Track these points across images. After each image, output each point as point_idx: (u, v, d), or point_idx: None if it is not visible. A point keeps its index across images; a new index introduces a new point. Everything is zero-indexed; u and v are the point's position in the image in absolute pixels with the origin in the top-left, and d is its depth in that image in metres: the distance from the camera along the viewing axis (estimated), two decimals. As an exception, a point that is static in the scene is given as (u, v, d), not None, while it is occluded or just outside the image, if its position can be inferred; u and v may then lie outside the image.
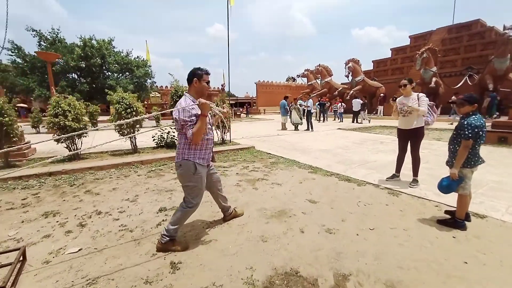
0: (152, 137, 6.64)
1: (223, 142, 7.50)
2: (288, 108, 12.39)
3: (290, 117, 12.35)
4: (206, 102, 2.14)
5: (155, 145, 6.76)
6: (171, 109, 2.36)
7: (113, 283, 1.88)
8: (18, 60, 29.99)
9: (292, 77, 46.82)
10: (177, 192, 3.73)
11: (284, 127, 12.45)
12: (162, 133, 6.76)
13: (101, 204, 3.35)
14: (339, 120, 17.21)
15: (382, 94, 20.21)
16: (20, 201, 3.49)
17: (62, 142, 5.07)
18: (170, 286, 1.84)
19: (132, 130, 6.00)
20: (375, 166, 5.01)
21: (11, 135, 4.61)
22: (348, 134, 10.25)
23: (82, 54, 30.41)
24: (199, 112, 2.16)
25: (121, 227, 2.74)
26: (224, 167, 5.12)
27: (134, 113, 5.75)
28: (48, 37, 31.23)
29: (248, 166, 5.17)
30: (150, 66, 36.67)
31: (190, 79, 2.24)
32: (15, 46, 29.31)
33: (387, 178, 4.11)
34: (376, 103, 20.91)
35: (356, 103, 15.88)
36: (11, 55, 29.39)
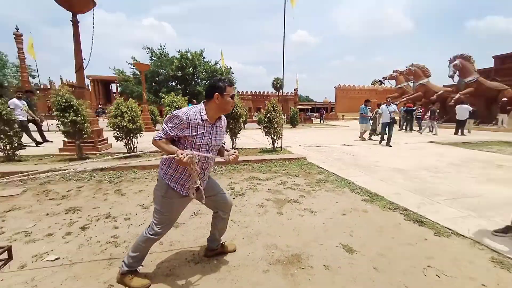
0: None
1: (273, 149, 6.84)
2: (369, 113, 10.59)
3: (372, 125, 10.57)
4: (190, 157, 1.61)
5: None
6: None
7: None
8: (136, 71, 37.79)
9: (379, 80, 41.58)
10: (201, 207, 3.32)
11: (362, 136, 10.70)
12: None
13: (116, 207, 3.28)
14: (429, 131, 13.61)
15: (505, 99, 15.01)
16: (64, 192, 3.83)
17: (121, 141, 5.58)
18: None
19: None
20: (477, 205, 3.32)
21: (83, 132, 5.32)
22: (444, 150, 7.78)
23: (179, 65, 35.74)
24: (189, 133, 1.69)
25: (112, 239, 2.49)
26: (259, 180, 4.46)
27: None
28: (157, 52, 38.18)
29: (287, 182, 4.35)
30: (232, 73, 40.46)
31: (210, 94, 1.74)
32: (135, 61, 37.03)
33: (494, 231, 2.54)
34: (496, 110, 15.73)
35: (463, 110, 12.26)
36: (132, 68, 37.30)
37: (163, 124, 1.75)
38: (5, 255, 2.11)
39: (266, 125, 6.46)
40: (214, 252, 2.22)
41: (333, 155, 6.91)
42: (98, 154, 6.14)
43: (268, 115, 6.36)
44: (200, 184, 1.82)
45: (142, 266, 1.98)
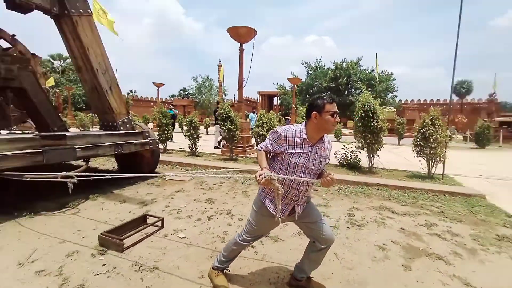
0: (335, 154, 6.20)
1: (428, 176, 5.16)
2: None
3: None
4: (269, 180, 1.55)
5: (337, 163, 6.25)
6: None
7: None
8: (294, 85, 41.96)
9: None
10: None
11: None
12: (346, 150, 6.07)
13: (238, 207, 3.71)
14: None
15: None
16: (211, 185, 4.84)
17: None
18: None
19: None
20: None
21: (234, 138, 6.59)
22: None
23: (333, 76, 35.97)
24: (285, 150, 1.66)
25: (222, 234, 2.83)
26: (392, 212, 3.50)
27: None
28: (313, 65, 40.47)
29: (436, 225, 3.11)
30: (394, 79, 35.66)
31: (308, 113, 1.70)
32: (294, 76, 41.22)
33: None
34: None
35: None
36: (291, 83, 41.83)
37: (267, 137, 1.79)
38: (159, 224, 2.95)
39: (419, 142, 5.00)
40: (298, 283, 1.96)
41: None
42: (244, 157, 7.34)
43: (423, 130, 4.87)
44: (294, 206, 1.76)
45: (229, 270, 2.09)
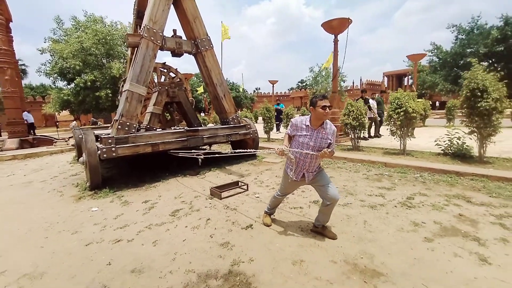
0: (435, 140, 5.52)
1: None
2: None
3: None
4: (282, 151, 2.47)
5: (440, 151, 5.53)
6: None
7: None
8: (434, 58, 33.36)
9: None
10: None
11: None
12: (451, 137, 5.28)
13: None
14: None
15: None
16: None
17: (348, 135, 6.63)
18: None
19: (403, 131, 5.68)
20: None
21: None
22: None
23: (499, 36, 26.01)
24: (296, 133, 2.53)
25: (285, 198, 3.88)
26: (469, 203, 3.24)
27: (403, 113, 5.40)
28: (466, 27, 30.70)
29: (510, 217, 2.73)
30: None
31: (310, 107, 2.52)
32: (435, 46, 32.70)
33: None
34: None
35: None
36: (430, 56, 33.48)
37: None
38: (245, 187, 4.36)
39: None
40: (316, 229, 2.75)
41: None
42: (336, 145, 7.74)
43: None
44: (304, 173, 2.58)
45: (274, 216, 3.14)
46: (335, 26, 8.01)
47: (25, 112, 14.09)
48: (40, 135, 13.81)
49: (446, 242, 2.40)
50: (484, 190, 3.60)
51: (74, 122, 17.87)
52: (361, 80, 48.21)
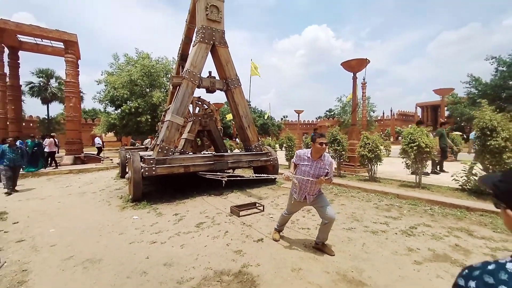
0: (453, 175, 5.61)
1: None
2: None
3: None
4: (287, 177, 3.09)
5: (458, 186, 5.58)
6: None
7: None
8: (473, 90, 31.70)
9: None
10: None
11: None
12: (467, 173, 5.36)
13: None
14: None
15: None
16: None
17: (364, 166, 6.91)
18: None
19: (417, 165, 5.87)
20: None
21: (341, 158, 7.54)
22: None
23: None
24: (299, 162, 3.09)
25: (295, 219, 4.32)
26: (470, 236, 3.42)
27: (416, 148, 5.66)
28: (507, 59, 29.37)
29: (507, 251, 2.89)
30: None
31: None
32: (473, 78, 31.33)
33: None
34: None
35: None
36: (468, 87, 31.83)
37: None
38: (261, 208, 4.88)
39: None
40: (317, 246, 3.16)
41: None
42: (354, 175, 7.97)
43: None
44: (306, 195, 3.10)
45: (282, 232, 3.61)
46: (354, 65, 8.69)
47: (97, 137, 16.54)
48: (89, 154, 15.78)
49: (433, 266, 2.67)
50: (490, 226, 3.70)
51: (98, 138, 20.09)
52: (391, 110, 47.25)
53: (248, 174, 8.65)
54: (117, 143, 31.93)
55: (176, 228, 3.95)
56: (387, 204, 5.07)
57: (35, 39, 14.20)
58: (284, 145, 10.95)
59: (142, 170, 5.28)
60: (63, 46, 14.19)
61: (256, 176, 4.78)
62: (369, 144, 6.74)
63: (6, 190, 6.55)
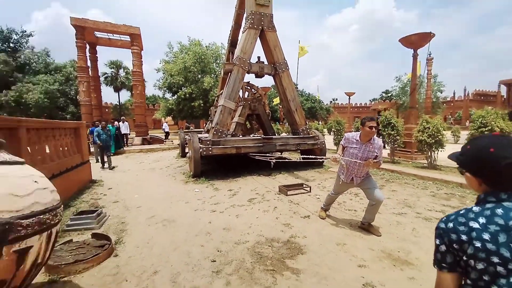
0: None
1: None
2: None
3: None
4: (335, 158, 3.21)
5: None
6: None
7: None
8: None
9: None
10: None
11: None
12: None
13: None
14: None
15: None
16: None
17: (423, 153, 6.43)
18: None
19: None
20: None
21: (395, 143, 7.13)
22: None
23: None
24: (347, 145, 3.20)
25: (341, 200, 4.45)
26: None
27: (487, 133, 5.02)
28: None
29: None
30: None
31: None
32: None
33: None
34: None
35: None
36: None
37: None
38: (308, 189, 5.09)
39: None
40: (363, 226, 3.28)
41: None
42: (410, 162, 7.47)
43: None
44: (353, 177, 3.22)
45: (329, 212, 3.80)
46: (415, 41, 7.83)
47: (165, 123, 18.90)
48: (154, 136, 17.95)
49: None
50: None
51: (165, 123, 22.32)
52: (465, 90, 40.29)
53: (295, 157, 8.86)
54: (174, 126, 35.12)
55: (231, 201, 4.49)
56: (446, 193, 4.75)
57: (108, 34, 16.31)
58: (332, 129, 10.71)
59: (201, 150, 5.97)
60: (129, 39, 16.02)
61: (303, 159, 4.97)
62: (429, 128, 6.21)
63: (101, 165, 8.11)
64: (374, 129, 2.95)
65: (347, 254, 2.67)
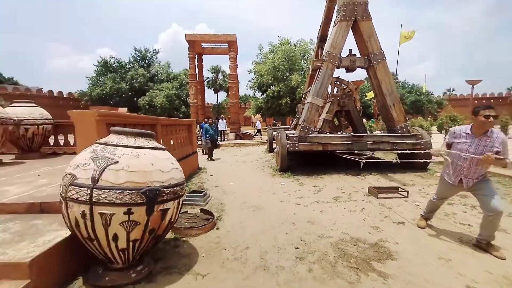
0: None
1: None
2: None
3: None
4: (436, 150, 2.87)
5: None
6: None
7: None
8: None
9: None
10: None
11: None
12: None
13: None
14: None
15: None
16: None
17: None
18: (378, 220, 3.52)
19: None
20: None
21: None
22: None
23: None
24: (454, 140, 2.71)
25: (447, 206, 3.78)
26: None
27: None
28: None
29: None
30: None
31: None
32: None
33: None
34: None
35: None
36: None
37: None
38: (404, 194, 4.54)
39: None
40: (478, 244, 2.68)
41: None
42: None
43: None
44: (461, 178, 2.69)
45: (430, 222, 3.32)
46: None
47: (258, 121, 21.01)
48: (245, 131, 19.75)
49: None
50: None
51: (258, 121, 23.83)
52: None
53: (391, 158, 7.93)
54: (262, 123, 37.38)
55: (316, 197, 4.55)
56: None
57: (211, 44, 18.97)
58: (444, 126, 8.81)
59: (287, 145, 6.24)
60: (227, 46, 18.12)
61: (401, 160, 4.45)
62: None
63: (207, 157, 9.70)
64: (491, 118, 2.38)
65: (451, 270, 2.31)
